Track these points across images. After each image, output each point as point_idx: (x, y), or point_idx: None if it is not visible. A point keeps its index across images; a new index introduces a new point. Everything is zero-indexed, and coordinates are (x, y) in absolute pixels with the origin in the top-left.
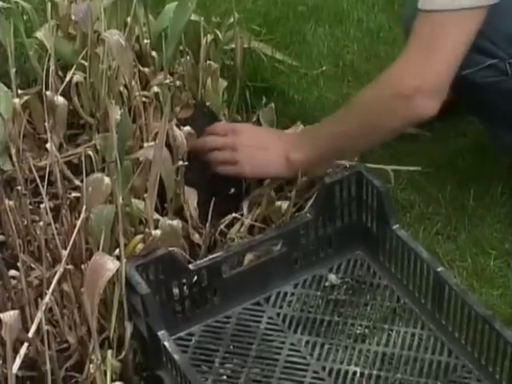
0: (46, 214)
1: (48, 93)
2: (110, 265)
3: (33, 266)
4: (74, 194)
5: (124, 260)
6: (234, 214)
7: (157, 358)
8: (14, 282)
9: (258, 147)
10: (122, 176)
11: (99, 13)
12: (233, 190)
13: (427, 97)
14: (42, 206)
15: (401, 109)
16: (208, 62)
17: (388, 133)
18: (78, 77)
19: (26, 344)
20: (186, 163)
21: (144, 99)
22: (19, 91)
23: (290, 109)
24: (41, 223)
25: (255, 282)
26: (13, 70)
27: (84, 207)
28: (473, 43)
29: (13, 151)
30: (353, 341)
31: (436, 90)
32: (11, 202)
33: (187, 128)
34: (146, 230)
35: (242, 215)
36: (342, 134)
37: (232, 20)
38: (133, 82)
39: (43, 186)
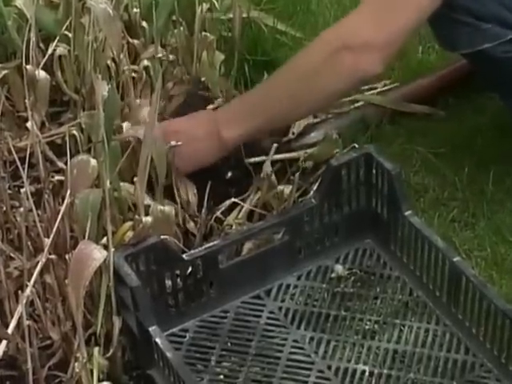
0: (27, 199)
1: (28, 67)
2: (97, 254)
3: (12, 255)
4: (57, 178)
5: (112, 249)
6: (233, 199)
7: (148, 355)
8: None
9: (187, 141)
10: (110, 158)
11: None
12: (230, 174)
13: (375, 53)
14: (22, 190)
15: (345, 64)
16: (203, 33)
17: (330, 95)
18: (62, 49)
19: (4, 341)
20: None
21: (133, 74)
22: None
23: None
24: (21, 209)
25: (255, 274)
26: None
27: (68, 192)
28: (492, 13)
29: None
30: (361, 337)
31: (385, 48)
32: None
33: None
34: (136, 216)
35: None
36: (278, 99)
37: None
38: (121, 55)
39: (23, 169)
